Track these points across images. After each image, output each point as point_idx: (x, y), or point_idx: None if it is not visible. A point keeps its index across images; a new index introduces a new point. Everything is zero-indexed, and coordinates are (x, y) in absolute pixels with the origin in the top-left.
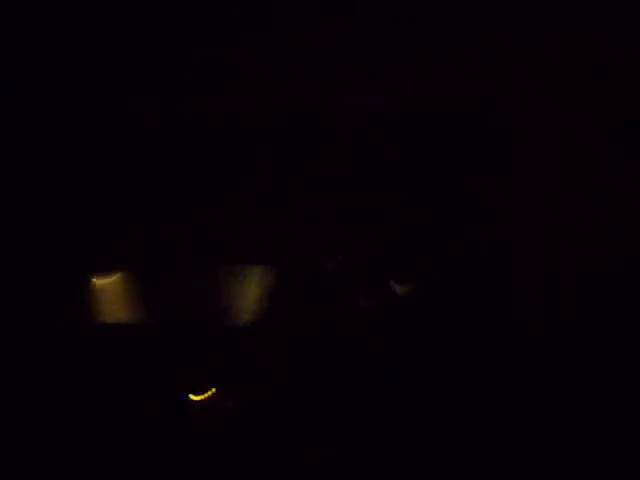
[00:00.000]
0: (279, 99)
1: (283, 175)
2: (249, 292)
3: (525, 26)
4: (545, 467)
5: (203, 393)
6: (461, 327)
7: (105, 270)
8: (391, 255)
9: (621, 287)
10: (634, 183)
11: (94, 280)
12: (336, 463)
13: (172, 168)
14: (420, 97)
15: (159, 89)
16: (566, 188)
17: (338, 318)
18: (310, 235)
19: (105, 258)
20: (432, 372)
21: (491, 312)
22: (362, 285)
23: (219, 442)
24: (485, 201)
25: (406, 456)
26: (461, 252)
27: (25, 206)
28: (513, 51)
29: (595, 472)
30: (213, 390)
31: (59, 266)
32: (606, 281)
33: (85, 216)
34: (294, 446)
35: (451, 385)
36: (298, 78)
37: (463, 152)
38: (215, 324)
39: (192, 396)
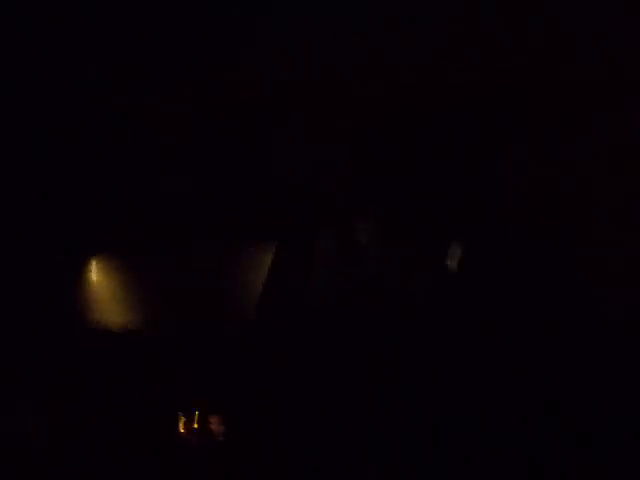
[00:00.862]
0: None
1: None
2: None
3: (526, 26)
4: None
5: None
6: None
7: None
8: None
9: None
10: None
11: (88, 276)
12: None
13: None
14: (420, 97)
15: None
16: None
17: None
18: None
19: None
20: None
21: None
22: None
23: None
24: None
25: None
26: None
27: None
28: (514, 51)
29: None
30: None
31: (54, 262)
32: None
33: (81, 210)
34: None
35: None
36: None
37: (464, 151)
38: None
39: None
